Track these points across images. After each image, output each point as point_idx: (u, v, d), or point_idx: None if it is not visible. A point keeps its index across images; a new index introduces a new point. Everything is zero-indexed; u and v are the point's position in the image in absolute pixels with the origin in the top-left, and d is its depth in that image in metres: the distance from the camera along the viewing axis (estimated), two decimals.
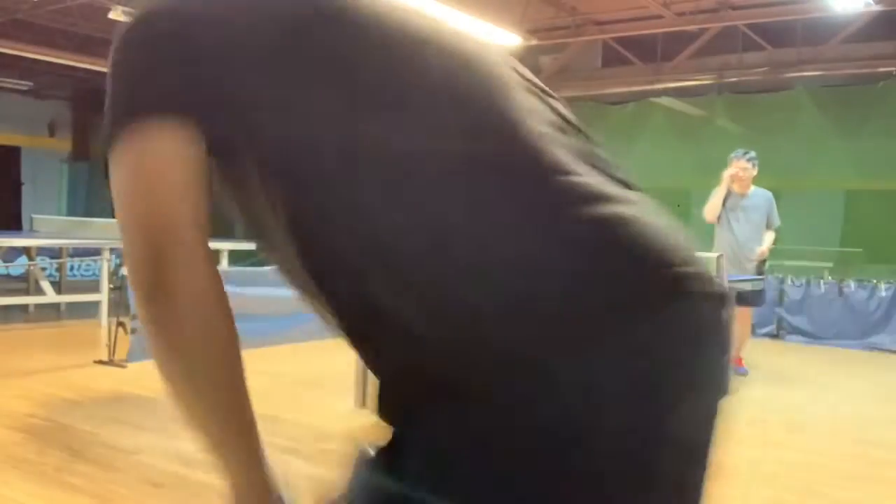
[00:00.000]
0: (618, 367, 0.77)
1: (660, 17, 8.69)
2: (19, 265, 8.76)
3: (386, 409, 0.82)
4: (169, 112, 0.77)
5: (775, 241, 6.33)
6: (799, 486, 3.54)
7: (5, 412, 4.22)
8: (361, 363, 0.87)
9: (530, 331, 0.76)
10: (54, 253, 8.96)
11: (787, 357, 7.18)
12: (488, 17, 7.67)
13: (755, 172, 6.08)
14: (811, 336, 8.05)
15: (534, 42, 8.97)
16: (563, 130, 0.87)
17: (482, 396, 0.76)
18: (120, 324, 5.59)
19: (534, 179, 0.80)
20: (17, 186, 14.07)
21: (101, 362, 5.64)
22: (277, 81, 0.80)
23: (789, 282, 8.24)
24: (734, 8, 8.57)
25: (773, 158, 7.56)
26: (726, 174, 6.06)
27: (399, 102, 0.81)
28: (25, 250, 8.32)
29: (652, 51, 9.88)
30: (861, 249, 8.67)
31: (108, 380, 5.18)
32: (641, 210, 0.83)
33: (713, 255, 5.44)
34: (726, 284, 5.23)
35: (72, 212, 13.71)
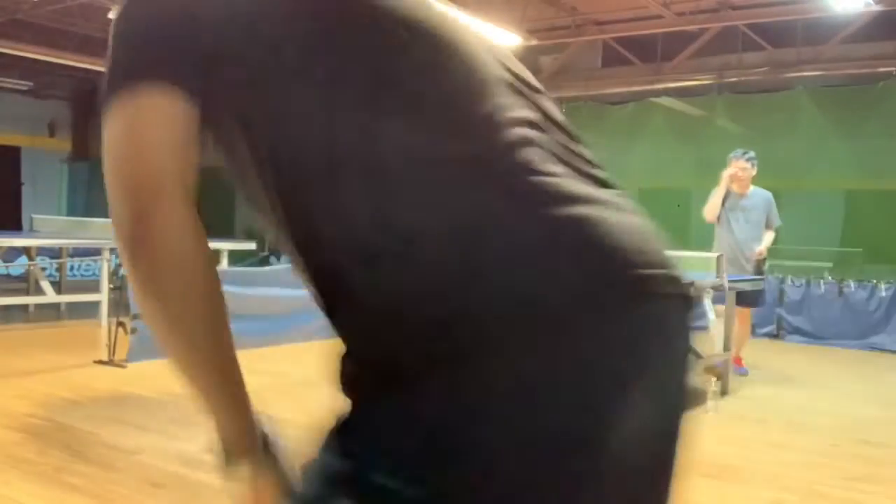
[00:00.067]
0: (570, 367, 0.78)
1: (660, 17, 8.70)
2: (19, 265, 8.75)
3: (341, 381, 0.86)
4: (163, 78, 0.79)
5: (775, 241, 6.33)
6: (799, 486, 3.54)
7: (5, 412, 4.22)
8: None
9: (484, 327, 0.78)
10: (54, 253, 8.96)
11: (787, 357, 7.18)
12: (488, 17, 7.68)
13: (754, 172, 6.08)
14: (811, 336, 8.04)
15: (534, 42, 8.98)
16: (543, 129, 0.88)
17: (434, 385, 0.78)
18: (120, 324, 5.58)
19: (502, 180, 0.82)
20: (17, 186, 14.07)
21: (101, 362, 5.63)
22: (269, 57, 0.82)
23: (789, 282, 8.24)
24: (734, 8, 8.58)
25: (772, 158, 7.56)
26: (725, 174, 6.06)
27: (381, 93, 0.83)
28: (25, 250, 8.31)
29: (652, 51, 9.89)
30: (861, 249, 8.68)
31: (108, 380, 5.17)
32: (611, 211, 0.84)
33: (713, 255, 5.45)
34: (726, 284, 5.25)
35: (72, 212, 13.69)
